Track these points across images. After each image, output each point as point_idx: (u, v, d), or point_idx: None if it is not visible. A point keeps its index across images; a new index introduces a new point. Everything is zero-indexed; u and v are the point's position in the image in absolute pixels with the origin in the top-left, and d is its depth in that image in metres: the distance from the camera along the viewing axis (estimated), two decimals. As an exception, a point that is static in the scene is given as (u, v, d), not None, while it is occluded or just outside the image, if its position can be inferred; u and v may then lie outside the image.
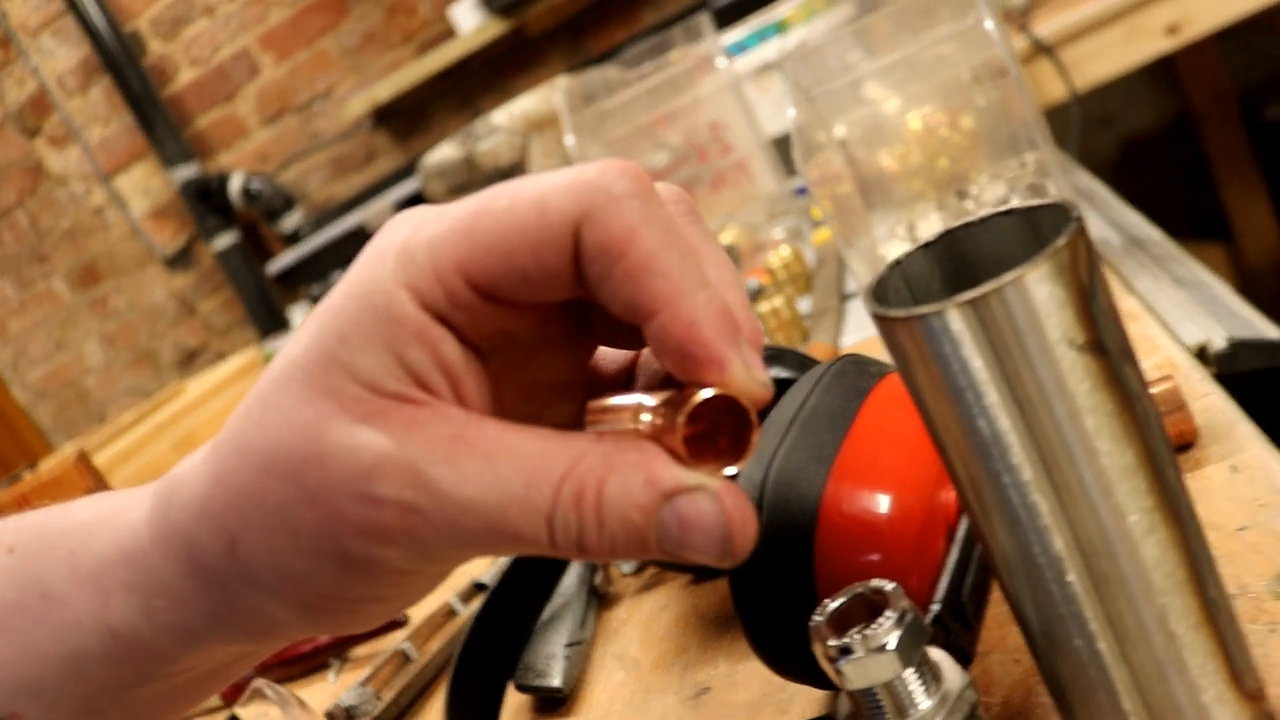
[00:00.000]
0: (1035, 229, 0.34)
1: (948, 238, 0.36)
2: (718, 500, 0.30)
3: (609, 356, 0.38)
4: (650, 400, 0.32)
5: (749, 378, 0.30)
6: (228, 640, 0.34)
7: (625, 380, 0.37)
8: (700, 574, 0.71)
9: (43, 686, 0.34)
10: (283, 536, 0.30)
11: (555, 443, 0.30)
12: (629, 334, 0.35)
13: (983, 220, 0.35)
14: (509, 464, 0.29)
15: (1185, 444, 0.56)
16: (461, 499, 0.29)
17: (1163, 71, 2.40)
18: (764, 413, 0.51)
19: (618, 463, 0.29)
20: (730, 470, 0.31)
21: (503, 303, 0.31)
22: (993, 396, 0.31)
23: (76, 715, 0.35)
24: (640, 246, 0.29)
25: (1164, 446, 0.33)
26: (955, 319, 0.30)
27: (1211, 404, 0.59)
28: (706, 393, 0.30)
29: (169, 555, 0.32)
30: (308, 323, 0.31)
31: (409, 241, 0.30)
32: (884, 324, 0.32)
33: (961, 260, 0.36)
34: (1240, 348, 0.69)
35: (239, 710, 0.68)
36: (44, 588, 0.34)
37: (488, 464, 0.29)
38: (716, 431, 0.32)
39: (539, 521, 0.29)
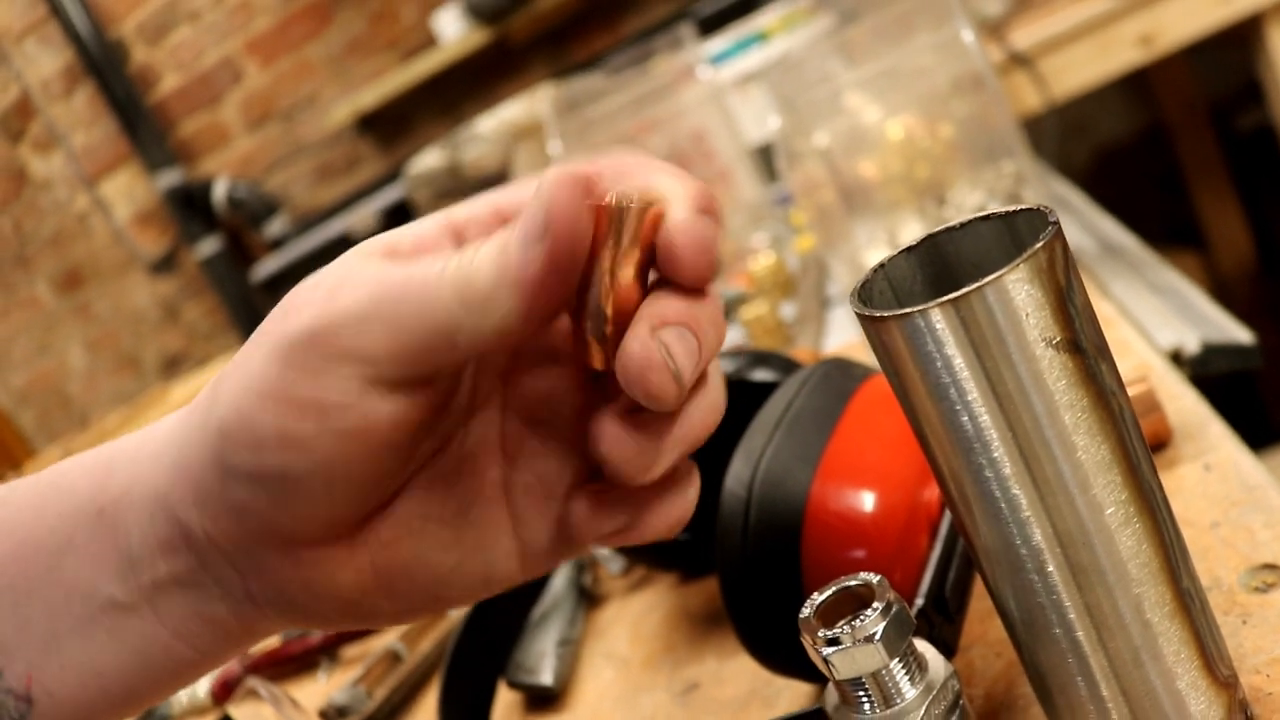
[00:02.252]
0: (1014, 233, 0.36)
1: (929, 242, 0.37)
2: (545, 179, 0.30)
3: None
4: None
5: (688, 216, 0.31)
6: (176, 513, 0.34)
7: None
8: (689, 572, 0.72)
9: (25, 589, 0.35)
10: (250, 347, 0.32)
11: None
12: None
13: (963, 225, 0.37)
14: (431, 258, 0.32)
15: (1160, 444, 0.58)
16: (378, 269, 0.32)
17: (1136, 82, 2.43)
18: (749, 409, 0.52)
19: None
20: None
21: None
22: (974, 393, 0.32)
23: (39, 641, 0.35)
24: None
25: (1138, 442, 0.34)
26: (938, 318, 0.32)
27: (1185, 405, 0.61)
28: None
29: (171, 420, 0.35)
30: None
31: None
32: (869, 324, 0.34)
33: (943, 263, 0.38)
34: (1213, 351, 0.71)
35: (231, 709, 0.68)
36: (60, 477, 0.36)
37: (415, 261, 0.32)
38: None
39: (437, 272, 0.30)
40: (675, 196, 0.31)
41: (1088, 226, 1.04)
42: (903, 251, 0.37)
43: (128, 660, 0.35)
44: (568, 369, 0.36)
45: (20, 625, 0.35)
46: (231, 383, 0.32)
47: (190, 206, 3.13)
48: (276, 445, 0.31)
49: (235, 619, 0.35)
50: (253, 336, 0.32)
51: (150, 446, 0.35)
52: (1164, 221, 2.67)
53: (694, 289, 0.32)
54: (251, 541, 0.33)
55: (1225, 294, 2.41)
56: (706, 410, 0.34)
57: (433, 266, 0.30)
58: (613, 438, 0.32)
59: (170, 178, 3.13)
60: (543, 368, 0.36)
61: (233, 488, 0.32)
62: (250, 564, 0.34)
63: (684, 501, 0.35)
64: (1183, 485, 0.54)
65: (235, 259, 3.23)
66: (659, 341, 0.30)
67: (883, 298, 0.37)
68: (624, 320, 0.31)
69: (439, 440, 0.35)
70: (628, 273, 0.31)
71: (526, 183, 0.33)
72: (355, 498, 0.33)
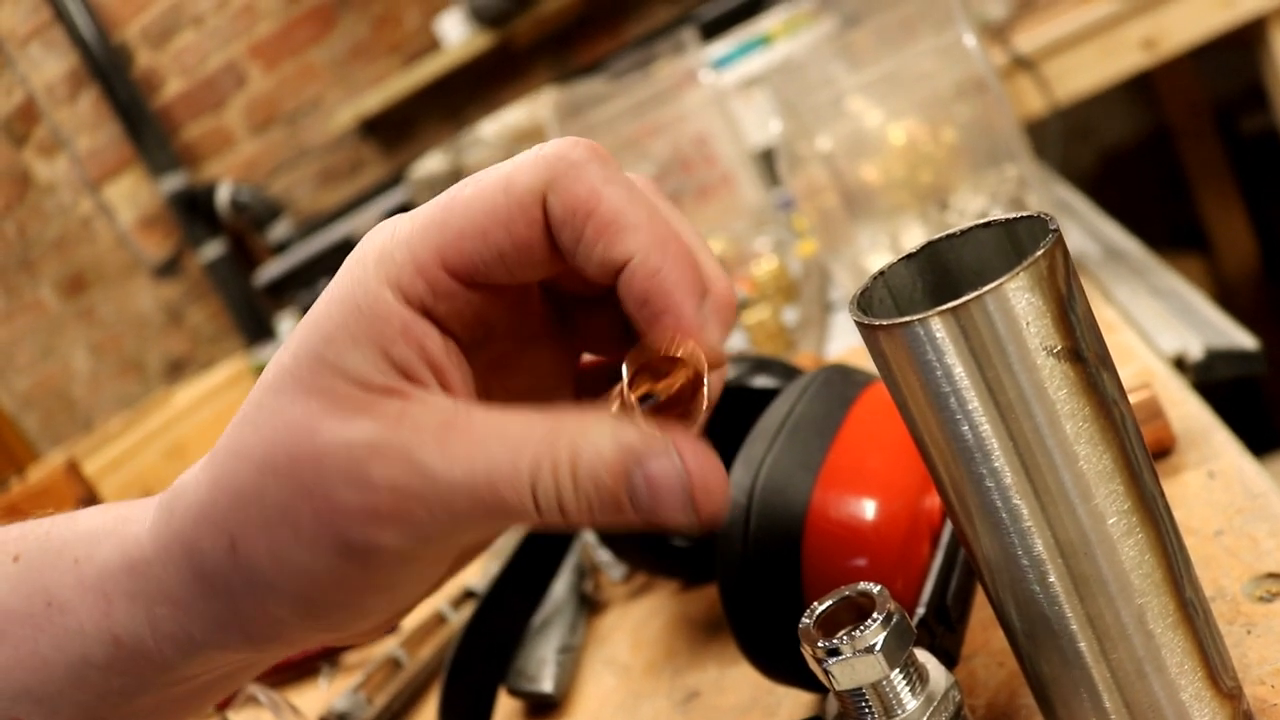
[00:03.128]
0: (1014, 241, 0.36)
1: (929, 249, 0.37)
2: (680, 459, 0.30)
3: (595, 365, 0.40)
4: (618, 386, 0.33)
5: (700, 331, 0.31)
6: (230, 647, 0.34)
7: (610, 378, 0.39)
8: (689, 580, 0.72)
9: (45, 693, 0.35)
10: (283, 531, 0.30)
11: (537, 418, 0.31)
12: (612, 339, 0.36)
13: (963, 232, 0.36)
14: (495, 442, 0.30)
15: (1163, 451, 0.57)
16: (451, 479, 0.30)
17: (1140, 86, 2.43)
18: (752, 420, 0.52)
19: (590, 430, 0.30)
20: (692, 426, 0.32)
21: (484, 288, 0.32)
22: (975, 402, 0.32)
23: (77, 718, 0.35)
24: (606, 203, 0.31)
25: (1141, 451, 0.34)
26: (938, 327, 0.31)
27: (1189, 412, 0.61)
28: (647, 358, 0.32)
29: (171, 563, 0.33)
30: (295, 330, 0.32)
31: (387, 243, 0.31)
32: (869, 333, 0.33)
33: (943, 271, 0.37)
34: (1216, 357, 0.70)
35: (232, 716, 0.68)
36: (48, 596, 0.35)
37: (476, 445, 0.30)
38: (681, 396, 0.33)
39: (524, 491, 0.30)
40: (687, 319, 0.31)
41: (1091, 231, 1.04)
42: (903, 259, 0.37)
43: (170, 701, 0.36)
44: (553, 362, 0.37)
45: (51, 713, 0.35)
46: (273, 567, 0.31)
47: (194, 210, 3.14)
48: (346, 604, 0.33)
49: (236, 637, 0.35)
50: (266, 503, 0.31)
51: (156, 590, 0.34)
52: (1168, 225, 2.67)
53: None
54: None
55: (1229, 298, 2.41)
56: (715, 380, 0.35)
57: (515, 473, 0.30)
58: None
59: (174, 181, 3.14)
60: (527, 362, 0.37)
61: (299, 630, 0.33)
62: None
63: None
64: (1186, 493, 0.53)
65: (239, 263, 3.24)
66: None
67: (883, 306, 0.37)
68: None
69: None
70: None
71: (474, 219, 0.31)
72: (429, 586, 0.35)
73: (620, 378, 0.33)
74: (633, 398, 0.32)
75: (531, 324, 0.36)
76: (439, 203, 0.32)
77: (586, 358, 0.39)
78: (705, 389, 0.32)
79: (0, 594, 0.35)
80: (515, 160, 0.32)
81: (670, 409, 0.32)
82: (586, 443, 0.30)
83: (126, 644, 0.34)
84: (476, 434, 0.30)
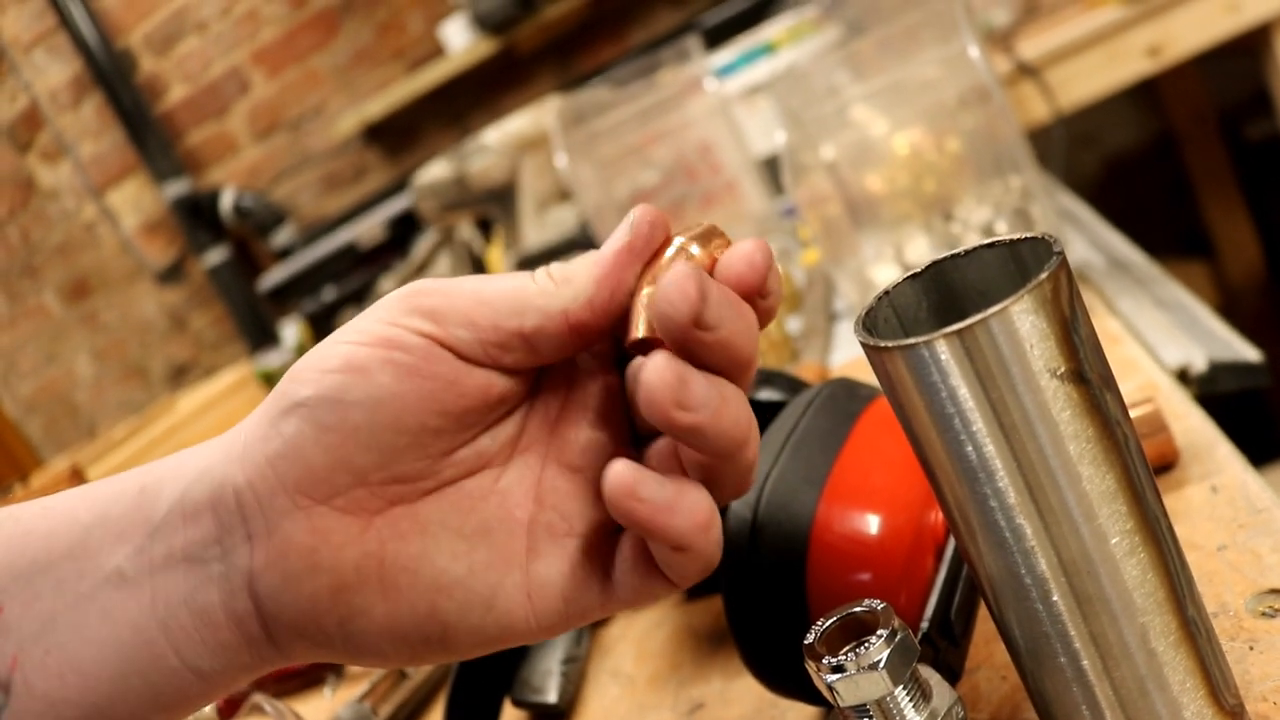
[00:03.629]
0: (1018, 261, 0.36)
1: (934, 269, 0.37)
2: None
3: None
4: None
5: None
6: (223, 493, 0.35)
7: None
8: (694, 591, 0.72)
9: (47, 562, 0.35)
10: (345, 373, 0.34)
11: None
12: None
13: (968, 252, 0.37)
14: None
15: (1167, 465, 0.57)
16: (486, 290, 0.35)
17: (1144, 92, 2.43)
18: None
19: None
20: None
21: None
22: (979, 423, 0.32)
23: (40, 620, 0.35)
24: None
25: (1144, 471, 0.34)
26: (943, 349, 0.31)
27: (1192, 425, 0.61)
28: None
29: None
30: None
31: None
32: (874, 354, 0.34)
33: (948, 290, 0.37)
34: (1220, 369, 0.70)
35: (237, 726, 0.68)
36: (126, 477, 0.37)
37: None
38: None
39: (538, 283, 0.35)
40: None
41: (1095, 241, 1.04)
42: (907, 278, 0.37)
43: (109, 656, 0.35)
44: (611, 425, 0.37)
45: (28, 601, 0.35)
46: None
47: (197, 216, 3.14)
48: (340, 366, 0.33)
49: (224, 612, 0.35)
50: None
51: (228, 437, 0.37)
52: (1173, 232, 2.67)
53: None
54: (278, 490, 0.34)
55: (1234, 305, 2.41)
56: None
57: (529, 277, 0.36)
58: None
59: (177, 187, 3.14)
60: (588, 421, 0.38)
61: (281, 425, 0.34)
62: (265, 524, 0.34)
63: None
64: (1189, 507, 0.53)
65: (242, 268, 3.24)
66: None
67: (888, 325, 0.37)
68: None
69: (479, 461, 0.36)
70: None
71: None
72: (392, 452, 0.34)
73: None
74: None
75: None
76: None
77: None
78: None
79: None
80: None
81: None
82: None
83: (149, 491, 0.36)
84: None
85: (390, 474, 0.34)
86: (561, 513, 0.37)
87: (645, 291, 0.34)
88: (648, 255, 0.35)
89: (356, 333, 0.34)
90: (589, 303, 0.34)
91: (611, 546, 0.37)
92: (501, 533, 0.36)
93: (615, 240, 0.35)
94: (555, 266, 0.35)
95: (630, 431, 0.38)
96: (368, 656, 0.36)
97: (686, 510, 0.33)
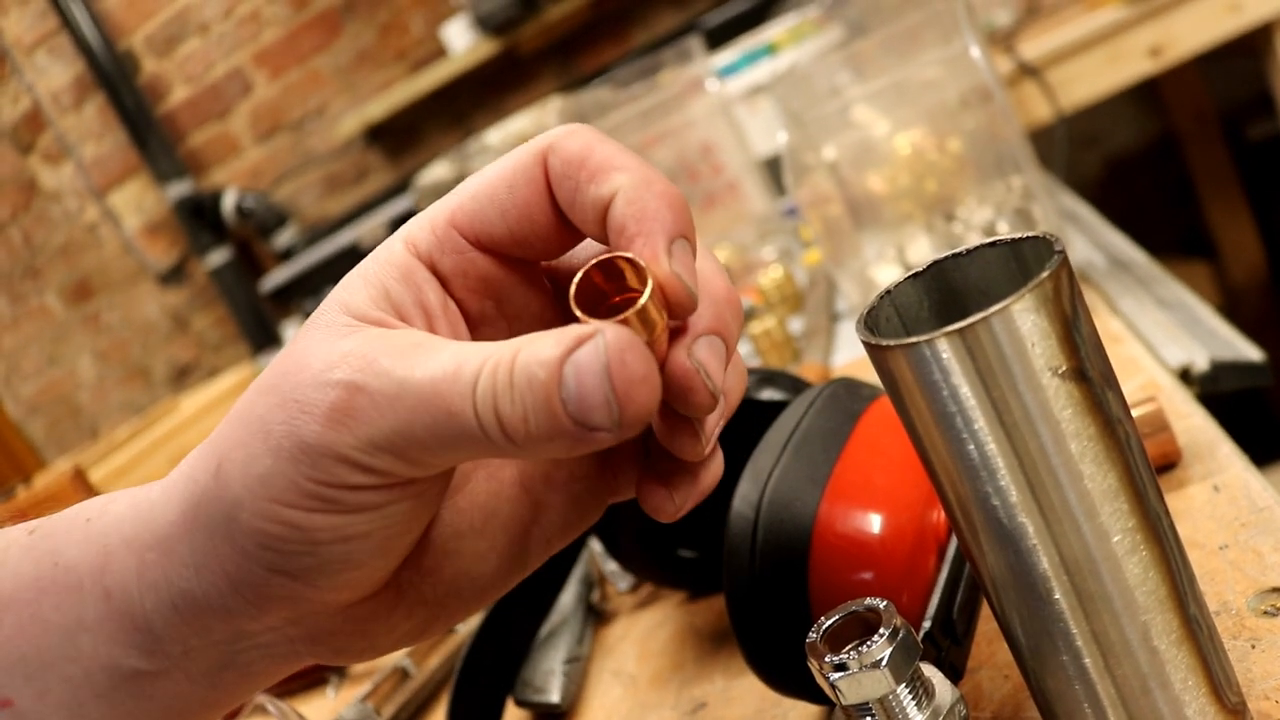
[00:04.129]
0: (1020, 260, 0.36)
1: (936, 268, 0.37)
2: (602, 341, 0.29)
3: None
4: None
5: (665, 261, 0.31)
6: (211, 602, 0.33)
7: None
8: (696, 590, 0.72)
9: (39, 663, 0.35)
10: (256, 441, 0.31)
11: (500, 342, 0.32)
12: None
13: (969, 251, 0.37)
14: (449, 354, 0.31)
15: (1169, 464, 0.58)
16: (399, 376, 0.30)
17: (1146, 92, 2.43)
18: (757, 429, 0.52)
19: (537, 336, 0.30)
20: (627, 316, 0.31)
21: (491, 254, 0.35)
22: (980, 422, 0.32)
23: (62, 708, 0.35)
24: (599, 152, 0.33)
25: (1145, 469, 0.34)
26: (944, 348, 0.32)
27: (1194, 425, 0.61)
28: (602, 256, 0.32)
29: (170, 502, 0.34)
30: None
31: (416, 216, 0.36)
32: (876, 353, 0.34)
33: (949, 289, 0.38)
34: (1222, 369, 0.70)
35: (240, 726, 0.68)
36: (56, 556, 0.35)
37: (433, 356, 0.31)
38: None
39: (465, 394, 0.30)
40: (654, 243, 0.32)
41: (1097, 241, 1.04)
42: (909, 278, 0.37)
43: (156, 712, 0.36)
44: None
45: (39, 694, 0.35)
46: (247, 485, 0.31)
47: (199, 217, 3.14)
48: (334, 540, 0.31)
49: (278, 666, 0.35)
50: (243, 417, 0.32)
51: (148, 535, 0.34)
52: (1175, 232, 2.67)
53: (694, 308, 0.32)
54: (303, 614, 0.33)
55: (1236, 304, 2.41)
56: (736, 380, 0.36)
57: (456, 379, 0.30)
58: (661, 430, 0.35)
59: (180, 189, 3.15)
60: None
61: (278, 582, 0.32)
62: (303, 630, 0.34)
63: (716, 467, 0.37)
64: (1191, 506, 0.54)
65: (244, 269, 3.24)
66: (696, 361, 0.32)
67: (889, 324, 0.37)
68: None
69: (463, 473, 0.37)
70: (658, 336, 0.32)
71: (486, 184, 0.34)
72: (393, 554, 0.34)
73: None
74: (573, 286, 0.32)
75: (537, 316, 0.37)
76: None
77: None
78: (648, 302, 0.31)
79: (13, 563, 0.36)
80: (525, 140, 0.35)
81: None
82: (528, 343, 0.30)
83: (115, 597, 0.34)
84: (440, 350, 0.31)
85: (397, 558, 0.35)
86: (553, 462, 0.38)
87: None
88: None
89: (303, 499, 0.31)
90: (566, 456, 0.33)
91: (605, 463, 0.38)
92: (504, 506, 0.37)
93: (589, 427, 0.30)
94: (510, 399, 0.30)
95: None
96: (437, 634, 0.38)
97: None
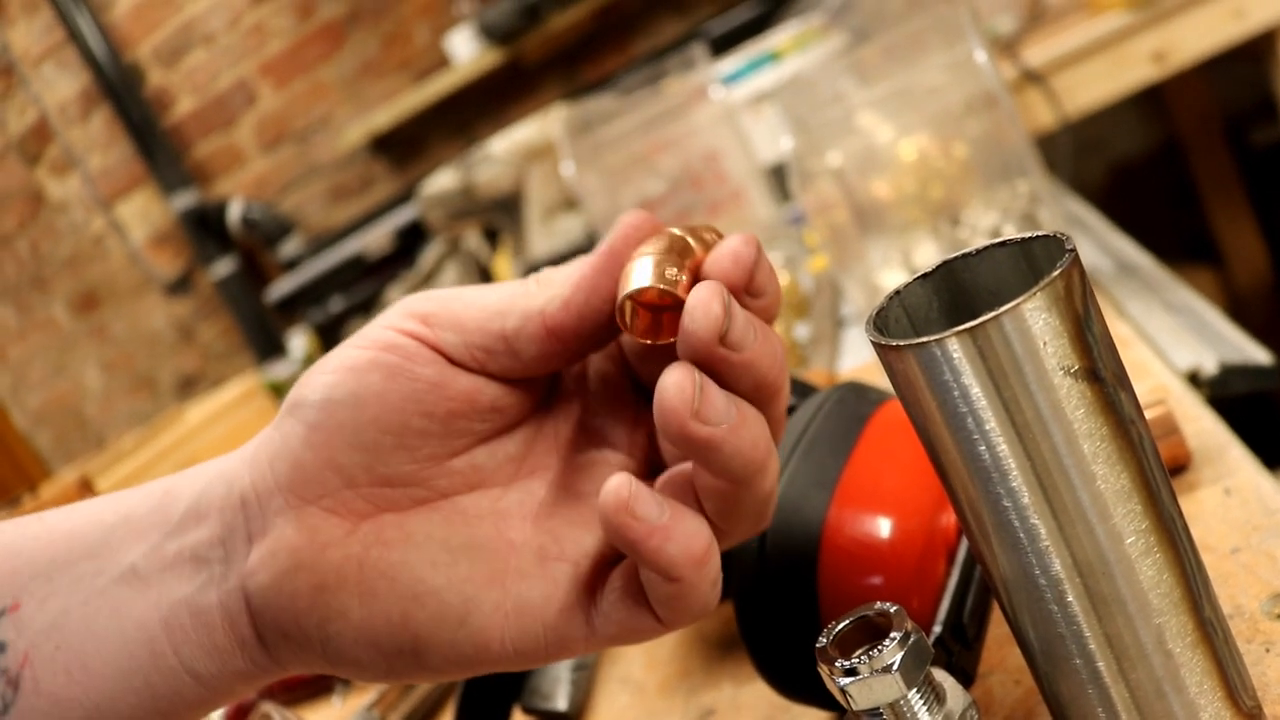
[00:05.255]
0: (1030, 260, 0.36)
1: (945, 268, 0.37)
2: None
3: None
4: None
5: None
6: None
7: None
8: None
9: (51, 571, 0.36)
10: (342, 376, 0.35)
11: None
12: None
13: (979, 251, 0.37)
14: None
15: (1179, 467, 0.57)
16: (468, 304, 0.36)
17: (1150, 98, 2.43)
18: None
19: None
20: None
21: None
22: (992, 422, 0.32)
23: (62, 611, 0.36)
24: None
25: (1158, 470, 0.34)
26: (955, 348, 0.31)
27: (1204, 428, 0.60)
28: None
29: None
30: None
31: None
32: (886, 353, 0.33)
33: (959, 290, 0.37)
34: (1231, 372, 0.70)
35: (246, 735, 0.68)
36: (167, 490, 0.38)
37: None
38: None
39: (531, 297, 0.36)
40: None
41: (1103, 246, 1.03)
42: (918, 278, 0.37)
43: (114, 653, 0.35)
44: (628, 454, 0.38)
45: (44, 598, 0.35)
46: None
47: (205, 228, 3.15)
48: (335, 368, 0.35)
49: (220, 614, 0.35)
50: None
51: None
52: (1180, 238, 2.67)
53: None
54: (275, 488, 0.34)
55: (1242, 310, 2.40)
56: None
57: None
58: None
59: (185, 199, 3.15)
60: (604, 447, 0.38)
61: (283, 424, 0.35)
62: (262, 523, 0.34)
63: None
64: (1203, 510, 0.53)
65: (250, 279, 3.25)
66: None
67: (898, 325, 0.37)
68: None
69: (476, 476, 0.37)
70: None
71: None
72: (377, 451, 0.34)
73: None
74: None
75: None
76: None
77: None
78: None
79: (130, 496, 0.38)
80: None
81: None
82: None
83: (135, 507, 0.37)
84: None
85: (376, 475, 0.34)
86: (556, 536, 0.36)
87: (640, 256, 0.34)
88: (628, 256, 0.35)
89: (359, 337, 0.35)
90: (565, 303, 0.34)
91: (604, 578, 0.36)
92: (489, 551, 0.36)
93: (599, 245, 0.35)
94: (546, 271, 0.36)
95: (649, 463, 0.38)
96: (346, 664, 0.35)
97: (681, 537, 0.32)
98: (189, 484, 0.36)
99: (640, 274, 0.33)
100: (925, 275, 0.37)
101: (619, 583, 0.35)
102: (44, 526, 0.37)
